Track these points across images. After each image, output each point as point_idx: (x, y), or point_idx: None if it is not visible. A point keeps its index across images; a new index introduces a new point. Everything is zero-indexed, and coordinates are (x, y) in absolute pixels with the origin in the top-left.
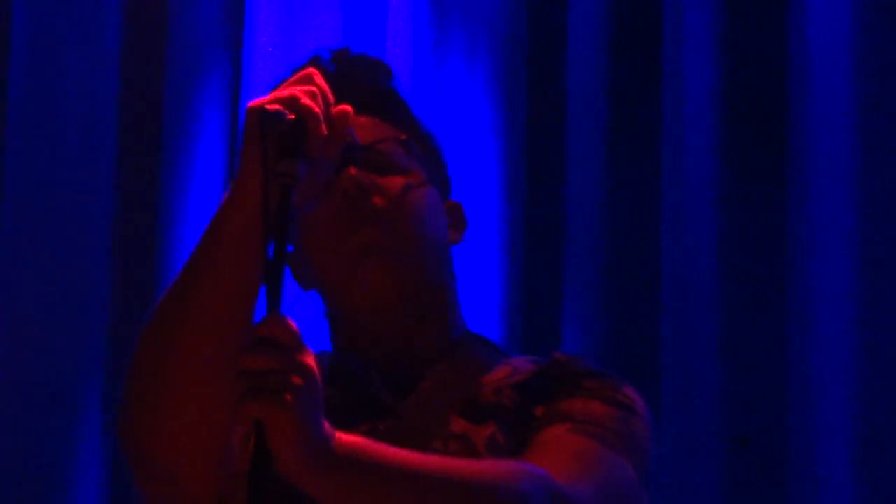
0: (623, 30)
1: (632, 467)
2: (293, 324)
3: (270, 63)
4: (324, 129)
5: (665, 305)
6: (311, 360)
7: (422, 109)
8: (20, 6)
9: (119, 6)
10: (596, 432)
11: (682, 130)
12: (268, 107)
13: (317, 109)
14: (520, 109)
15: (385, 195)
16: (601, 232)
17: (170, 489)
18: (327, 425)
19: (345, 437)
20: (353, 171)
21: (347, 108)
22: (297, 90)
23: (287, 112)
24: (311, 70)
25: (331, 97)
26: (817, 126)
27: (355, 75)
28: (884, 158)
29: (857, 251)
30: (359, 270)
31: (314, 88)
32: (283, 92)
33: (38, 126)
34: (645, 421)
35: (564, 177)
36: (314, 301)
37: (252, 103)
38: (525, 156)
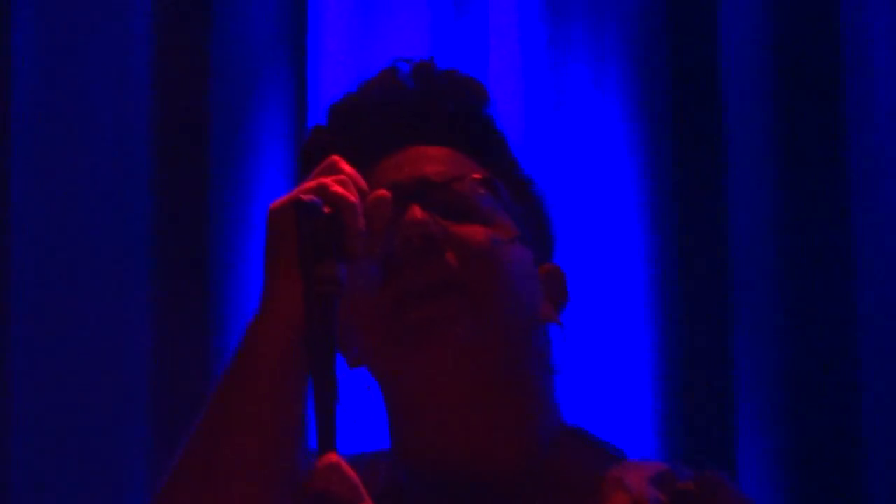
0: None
1: None
2: (350, 471)
3: (341, 75)
4: (362, 221)
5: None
6: None
7: (523, 145)
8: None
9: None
10: None
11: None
12: (303, 196)
13: (353, 198)
14: (664, 126)
15: (461, 250)
16: (776, 276)
17: None
18: None
19: None
20: (418, 212)
21: (385, 193)
22: (325, 179)
23: (323, 203)
24: (335, 158)
25: (363, 183)
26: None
27: (437, 96)
28: None
29: None
30: (418, 353)
31: (343, 177)
32: (308, 184)
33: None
34: None
35: (725, 211)
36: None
37: (276, 201)
38: (673, 185)
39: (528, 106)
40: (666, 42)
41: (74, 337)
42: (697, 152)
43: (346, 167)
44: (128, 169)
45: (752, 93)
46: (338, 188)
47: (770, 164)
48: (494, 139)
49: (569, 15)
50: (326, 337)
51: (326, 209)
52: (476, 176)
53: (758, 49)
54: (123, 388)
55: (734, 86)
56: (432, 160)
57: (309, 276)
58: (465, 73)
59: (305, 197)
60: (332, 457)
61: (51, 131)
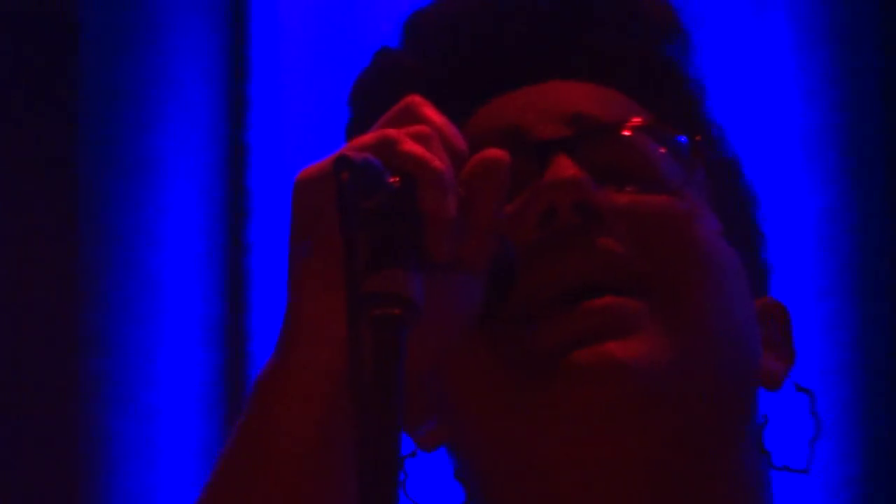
0: None
1: None
2: None
3: None
4: (452, 204)
5: None
6: None
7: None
8: None
9: None
10: None
11: None
12: (351, 154)
13: (437, 164)
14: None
15: (641, 231)
16: None
17: None
18: None
19: None
20: (570, 167)
21: (498, 153)
22: (393, 131)
23: (386, 170)
24: (414, 98)
25: (460, 142)
26: None
27: (590, 5)
28: None
29: None
30: (568, 389)
31: (425, 128)
32: (365, 137)
33: None
34: None
35: None
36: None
37: (308, 168)
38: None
39: None
40: None
41: None
42: None
43: (432, 113)
44: None
45: None
46: (413, 146)
47: None
48: (675, 77)
49: None
50: (385, 388)
51: (392, 179)
52: (653, 123)
53: None
54: None
55: None
56: (580, 97)
57: (358, 291)
58: None
59: (355, 156)
60: None
61: None
